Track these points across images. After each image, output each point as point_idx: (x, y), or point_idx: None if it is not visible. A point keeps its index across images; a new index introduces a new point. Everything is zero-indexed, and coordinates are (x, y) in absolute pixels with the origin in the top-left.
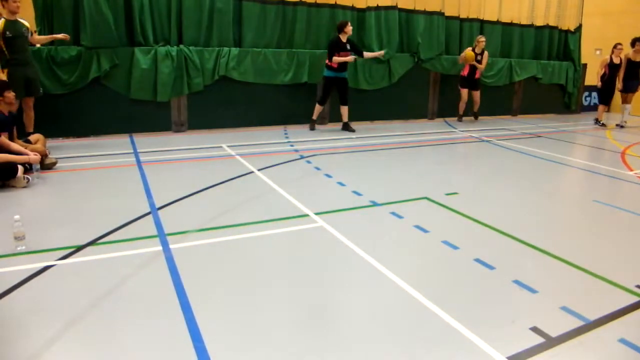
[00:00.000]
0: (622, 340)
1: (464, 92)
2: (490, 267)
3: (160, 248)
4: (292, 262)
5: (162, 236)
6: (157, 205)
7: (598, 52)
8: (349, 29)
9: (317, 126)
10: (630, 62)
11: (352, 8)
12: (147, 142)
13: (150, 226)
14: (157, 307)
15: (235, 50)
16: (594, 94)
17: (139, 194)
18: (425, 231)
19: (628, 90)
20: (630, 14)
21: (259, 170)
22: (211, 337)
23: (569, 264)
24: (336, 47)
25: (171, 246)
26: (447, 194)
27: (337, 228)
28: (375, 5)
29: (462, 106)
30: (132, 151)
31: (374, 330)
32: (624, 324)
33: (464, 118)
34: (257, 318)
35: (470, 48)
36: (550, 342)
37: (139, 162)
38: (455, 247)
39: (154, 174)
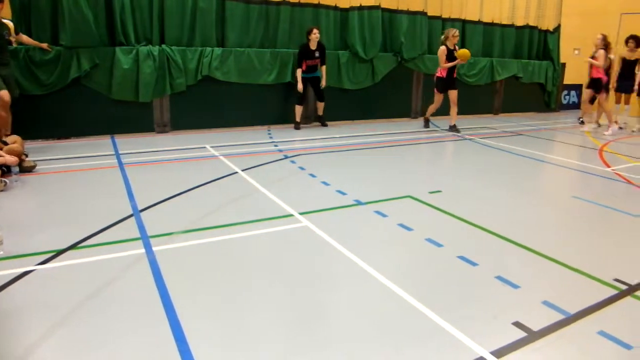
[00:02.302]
0: (601, 333)
1: (440, 96)
2: (474, 264)
3: (143, 251)
4: (277, 262)
5: (145, 238)
6: (140, 207)
7: (577, 52)
8: (314, 36)
9: (301, 126)
10: (624, 61)
11: (335, 8)
12: (129, 143)
13: (132, 228)
14: (140, 311)
15: (218, 50)
16: (573, 92)
17: (121, 196)
18: (409, 229)
19: (623, 90)
20: (608, 14)
21: (243, 170)
22: (196, 339)
23: (550, 259)
24: (304, 54)
25: (154, 248)
26: (431, 192)
27: (322, 228)
28: (359, 5)
29: (432, 109)
30: (113, 153)
31: (360, 329)
32: (603, 316)
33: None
34: (243, 319)
35: (442, 46)
36: (532, 336)
37: (120, 163)
38: (439, 245)
39: (137, 175)
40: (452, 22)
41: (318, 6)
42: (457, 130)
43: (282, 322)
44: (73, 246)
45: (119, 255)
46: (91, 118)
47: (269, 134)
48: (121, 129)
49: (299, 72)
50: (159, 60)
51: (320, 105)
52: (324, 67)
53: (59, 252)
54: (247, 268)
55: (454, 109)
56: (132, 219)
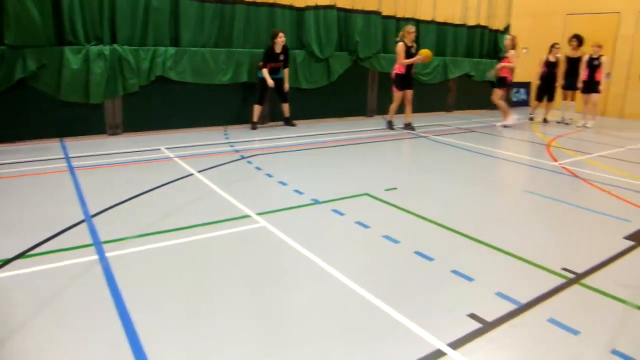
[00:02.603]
0: (551, 320)
1: (400, 94)
2: (430, 259)
3: (96, 257)
4: (235, 264)
5: (97, 244)
6: (92, 213)
7: (525, 51)
8: (279, 39)
9: (258, 126)
10: (569, 60)
11: (291, 7)
12: (79, 146)
13: (84, 234)
14: (94, 321)
15: (172, 50)
16: (522, 90)
17: (72, 202)
18: (367, 227)
19: (569, 87)
20: (554, 15)
21: (199, 172)
22: (154, 348)
23: (503, 252)
24: (269, 57)
25: (108, 255)
26: (387, 190)
27: (280, 228)
28: (314, 4)
29: (394, 109)
30: (63, 156)
31: (321, 328)
32: (552, 304)
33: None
34: (203, 323)
35: (400, 42)
36: (487, 326)
37: (71, 167)
38: (395, 241)
39: (88, 179)
40: (406, 21)
41: (274, 5)
42: (412, 128)
43: (243, 324)
44: (20, 255)
45: (70, 262)
46: (39, 120)
47: (225, 134)
48: (71, 131)
49: (265, 71)
50: (111, 60)
51: (285, 106)
52: (286, 70)
53: (5, 262)
54: (205, 270)
55: (408, 107)
56: (84, 224)
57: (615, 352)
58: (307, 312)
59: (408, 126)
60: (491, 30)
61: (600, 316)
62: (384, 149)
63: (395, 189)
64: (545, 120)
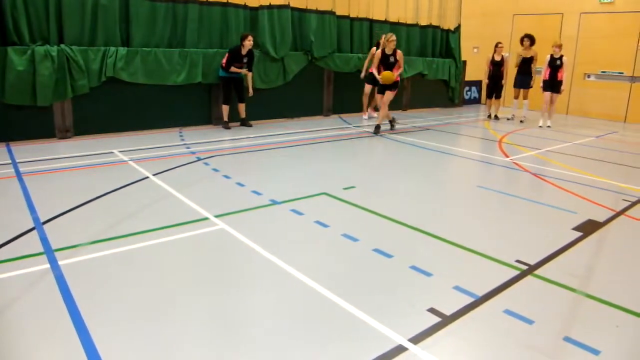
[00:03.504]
0: (507, 311)
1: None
2: (389, 256)
3: (48, 266)
4: (193, 267)
5: (49, 253)
6: (42, 219)
7: (475, 50)
8: (247, 42)
9: (213, 127)
10: (521, 59)
11: (245, 7)
12: (27, 150)
13: (35, 243)
14: (48, 332)
15: (123, 50)
16: (474, 88)
17: (20, 209)
18: (326, 226)
19: (521, 86)
20: (502, 15)
21: (154, 175)
22: (111, 356)
23: (459, 246)
24: (234, 57)
25: (60, 263)
26: (345, 188)
27: (239, 229)
28: (268, 4)
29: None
30: (9, 161)
31: (283, 329)
32: (507, 296)
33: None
34: (159, 330)
35: (377, 56)
36: (446, 320)
37: (18, 173)
38: (355, 239)
39: (37, 185)
40: (360, 21)
41: (227, 5)
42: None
43: (203, 330)
44: None
45: (21, 272)
46: None
47: (181, 136)
48: (18, 135)
49: (232, 68)
50: (58, 61)
51: (242, 107)
52: (250, 74)
53: None
54: (162, 276)
55: (383, 110)
56: (34, 232)
57: (567, 339)
58: (267, 313)
59: (378, 128)
60: (443, 30)
61: (552, 305)
62: (341, 147)
63: (353, 187)
64: (495, 117)
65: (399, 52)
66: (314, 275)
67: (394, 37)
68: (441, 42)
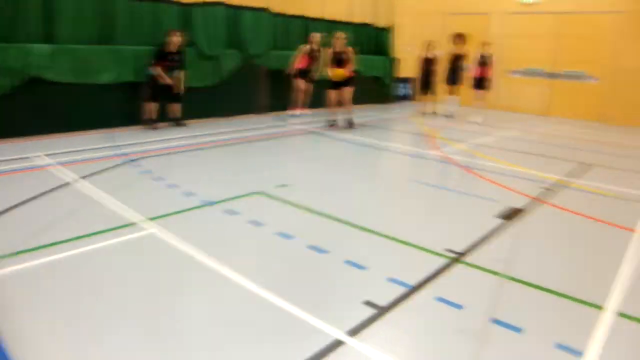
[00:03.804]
0: (438, 298)
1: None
2: (324, 252)
3: None
4: (123, 275)
5: None
6: None
7: (408, 48)
8: (174, 39)
9: (145, 127)
10: (453, 56)
11: (178, 4)
12: None
13: None
14: None
15: (47, 47)
16: (407, 85)
17: None
18: (261, 225)
19: (452, 82)
20: (434, 14)
21: (81, 178)
22: None
23: (391, 239)
24: (160, 56)
25: None
26: (279, 186)
27: (171, 233)
28: (201, 1)
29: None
30: None
31: (221, 331)
32: (438, 284)
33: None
34: (90, 346)
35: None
36: (381, 311)
37: None
38: (290, 237)
39: None
40: (296, 18)
41: (158, 1)
42: (333, 125)
43: (135, 338)
44: None
45: None
46: None
47: (111, 137)
48: None
49: (159, 69)
50: None
51: (176, 107)
52: (182, 72)
53: None
54: (91, 285)
55: (349, 106)
56: None
57: (494, 320)
58: (203, 318)
59: (331, 123)
60: (376, 28)
61: (480, 290)
62: (277, 145)
63: (288, 185)
64: (430, 113)
65: (349, 49)
66: (250, 276)
67: (343, 35)
68: (375, 40)
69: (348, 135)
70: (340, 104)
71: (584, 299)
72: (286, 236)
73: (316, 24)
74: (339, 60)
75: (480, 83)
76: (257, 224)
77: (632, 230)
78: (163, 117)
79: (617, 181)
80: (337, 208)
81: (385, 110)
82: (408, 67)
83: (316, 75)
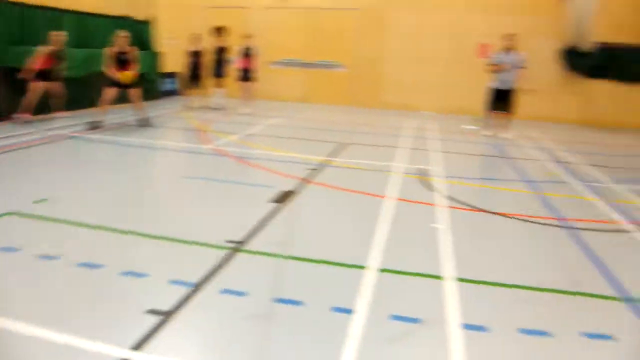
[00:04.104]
0: (223, 290)
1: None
2: (98, 266)
3: None
4: None
5: None
6: None
7: (172, 42)
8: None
9: None
10: (215, 49)
11: None
12: None
13: None
14: None
15: None
16: (172, 79)
17: None
18: (14, 250)
19: (217, 75)
20: (195, 8)
21: None
22: None
23: (171, 240)
24: None
25: None
26: (36, 202)
27: None
28: None
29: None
30: None
31: None
32: (221, 276)
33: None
34: None
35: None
36: (167, 316)
37: None
38: (53, 258)
39: None
40: (44, 10)
41: None
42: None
43: None
44: None
45: None
46: None
47: None
48: None
49: None
50: None
51: None
52: None
53: None
54: None
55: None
56: None
57: (278, 299)
58: None
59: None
60: (137, 21)
61: (262, 274)
62: (28, 156)
63: (45, 200)
64: (199, 107)
65: (132, 48)
66: (7, 313)
67: (126, 34)
68: (135, 34)
69: (114, 137)
70: (113, 103)
71: (350, 262)
72: (49, 258)
73: (68, 16)
74: (122, 61)
75: (246, 75)
76: (9, 250)
77: (382, 196)
78: None
79: (368, 156)
80: (109, 216)
81: (152, 108)
82: (172, 61)
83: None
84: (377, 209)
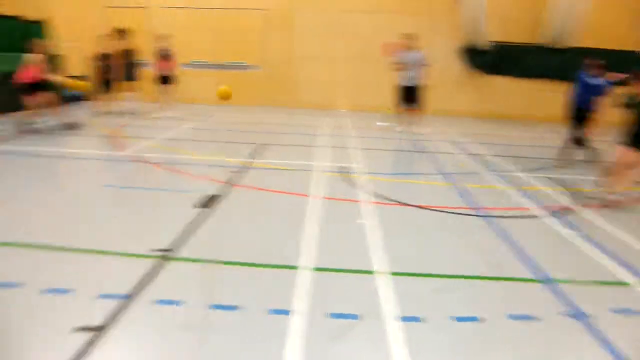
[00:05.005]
0: (157, 301)
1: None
2: (15, 286)
3: None
4: None
5: None
6: None
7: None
8: None
9: None
10: (123, 52)
11: None
12: None
13: None
14: None
15: None
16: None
17: None
18: None
19: (130, 78)
20: (95, 7)
21: None
22: None
23: (95, 252)
24: None
25: None
26: None
27: None
28: None
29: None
30: None
31: None
32: (153, 286)
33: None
34: None
35: None
36: (99, 333)
37: None
38: None
39: None
40: None
41: None
42: None
43: None
44: None
45: None
46: None
47: None
48: None
49: None
50: None
51: None
52: None
53: None
54: None
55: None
56: None
57: (213, 306)
58: None
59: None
60: (25, 22)
61: (194, 281)
62: None
63: None
64: (112, 113)
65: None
66: None
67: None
68: (23, 35)
69: (17, 147)
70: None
71: (282, 263)
72: None
73: None
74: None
75: (165, 78)
76: None
77: (306, 195)
78: None
79: (289, 156)
80: (27, 230)
81: (59, 115)
82: (72, 64)
83: None
84: (304, 208)
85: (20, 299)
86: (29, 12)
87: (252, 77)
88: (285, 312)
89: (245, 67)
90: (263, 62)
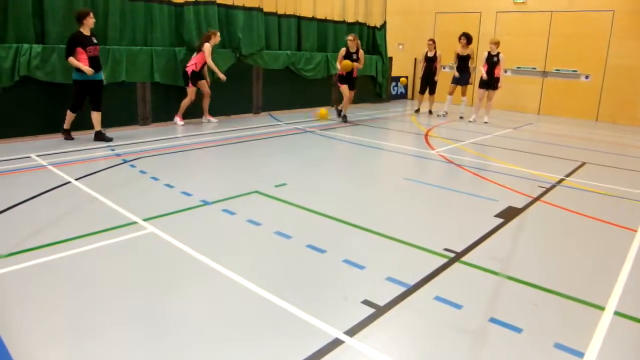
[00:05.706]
0: (437, 298)
1: (344, 87)
2: (322, 251)
3: None
4: (123, 274)
5: None
6: None
7: (400, 47)
8: (90, 20)
9: (139, 127)
10: (459, 57)
11: (169, 3)
12: None
13: None
14: None
15: (38, 47)
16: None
17: None
18: (258, 224)
19: (459, 82)
20: (425, 14)
21: (77, 179)
22: None
23: (389, 238)
24: (77, 42)
25: None
26: (277, 186)
27: (169, 232)
28: (194, 0)
29: (345, 103)
30: None
31: (219, 328)
32: (436, 283)
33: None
34: (90, 345)
35: (342, 54)
36: (380, 311)
37: None
38: (287, 237)
39: None
40: (288, 18)
41: (151, 0)
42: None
43: (134, 336)
44: None
45: None
46: None
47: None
48: None
49: (74, 61)
50: None
51: (96, 116)
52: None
53: None
54: (91, 285)
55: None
56: None
57: (492, 319)
58: (202, 316)
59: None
60: (369, 27)
61: (478, 289)
62: (272, 145)
63: (284, 184)
64: (430, 112)
65: (361, 51)
66: (247, 274)
67: (352, 37)
68: (368, 39)
69: (344, 134)
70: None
71: (585, 298)
72: (284, 235)
73: (308, 23)
74: (350, 60)
75: (488, 82)
76: (254, 223)
77: (633, 230)
78: (156, 118)
79: (611, 180)
80: (334, 207)
81: (379, 110)
82: (400, 65)
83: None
84: (627, 244)
85: (325, 263)
86: (371, 19)
87: (583, 86)
88: (577, 354)
89: (576, 76)
90: (598, 71)
